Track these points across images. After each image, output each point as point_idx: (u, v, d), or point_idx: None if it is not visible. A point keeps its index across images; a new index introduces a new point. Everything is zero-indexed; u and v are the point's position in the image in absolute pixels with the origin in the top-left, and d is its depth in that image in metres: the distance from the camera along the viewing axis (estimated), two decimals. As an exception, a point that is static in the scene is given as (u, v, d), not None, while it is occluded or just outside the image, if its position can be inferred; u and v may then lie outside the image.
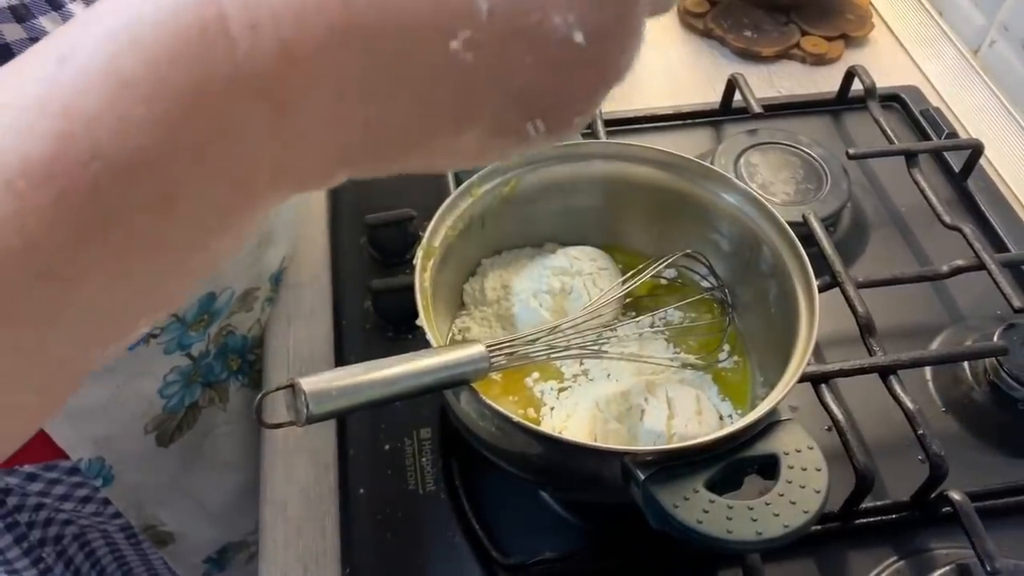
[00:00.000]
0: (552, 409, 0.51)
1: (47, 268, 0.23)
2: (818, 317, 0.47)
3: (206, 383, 0.64)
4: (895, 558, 0.53)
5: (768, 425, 0.43)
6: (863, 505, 0.53)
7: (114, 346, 0.27)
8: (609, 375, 0.52)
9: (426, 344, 0.45)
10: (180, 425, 0.64)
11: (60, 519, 0.65)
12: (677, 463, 0.41)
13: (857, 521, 0.53)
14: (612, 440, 0.48)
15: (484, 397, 0.43)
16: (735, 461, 0.42)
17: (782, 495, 0.40)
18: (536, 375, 0.53)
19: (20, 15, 0.41)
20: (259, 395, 0.36)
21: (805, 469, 0.41)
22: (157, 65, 0.23)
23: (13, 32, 0.41)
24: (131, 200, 0.23)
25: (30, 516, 0.63)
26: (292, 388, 0.36)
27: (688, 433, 0.47)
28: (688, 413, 0.48)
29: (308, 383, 0.36)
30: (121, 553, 0.72)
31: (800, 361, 0.45)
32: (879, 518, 0.54)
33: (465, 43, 0.26)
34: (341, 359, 0.61)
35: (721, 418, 0.50)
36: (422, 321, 0.46)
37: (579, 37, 0.26)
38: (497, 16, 0.26)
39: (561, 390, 0.52)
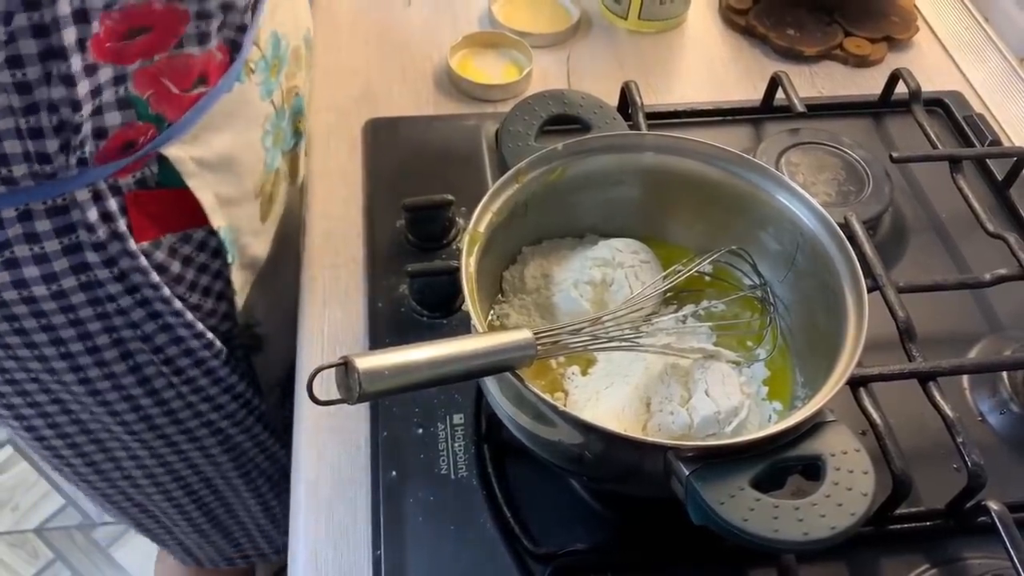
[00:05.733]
0: (577, 388, 0.51)
1: None
2: (867, 320, 0.46)
3: (283, 151, 0.70)
4: (927, 566, 0.52)
5: (814, 426, 0.43)
6: (898, 511, 0.53)
7: None
8: (633, 359, 0.52)
9: (466, 329, 0.45)
10: (271, 195, 0.69)
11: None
12: (722, 460, 0.41)
13: (891, 527, 0.53)
14: (637, 425, 0.48)
15: (530, 384, 0.42)
16: (780, 460, 0.42)
17: (828, 496, 0.40)
18: (561, 358, 0.53)
19: None
20: (312, 371, 0.36)
21: (852, 471, 0.41)
22: None
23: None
24: None
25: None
26: (345, 366, 0.36)
27: (714, 407, 0.47)
28: (716, 391, 0.48)
29: (362, 362, 0.36)
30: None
31: (848, 363, 0.44)
32: (913, 525, 0.53)
33: None
34: (375, 341, 0.61)
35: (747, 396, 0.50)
36: (468, 306, 0.46)
37: None
38: None
39: (584, 374, 0.52)
